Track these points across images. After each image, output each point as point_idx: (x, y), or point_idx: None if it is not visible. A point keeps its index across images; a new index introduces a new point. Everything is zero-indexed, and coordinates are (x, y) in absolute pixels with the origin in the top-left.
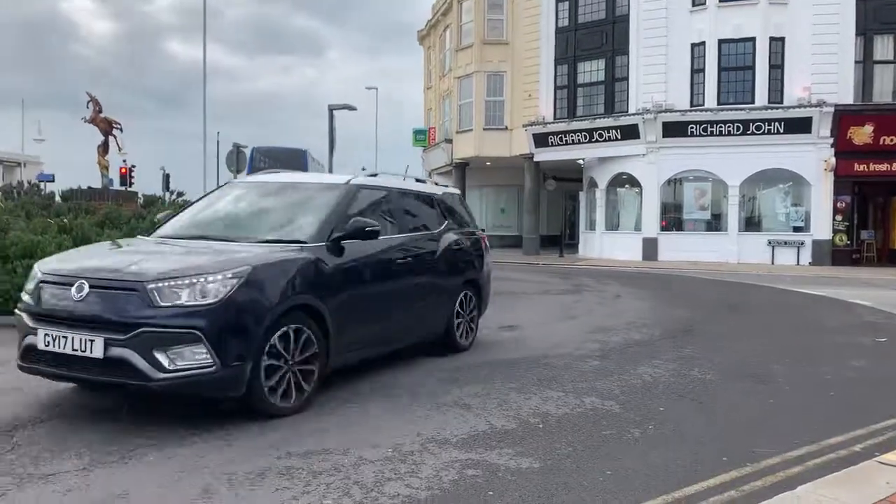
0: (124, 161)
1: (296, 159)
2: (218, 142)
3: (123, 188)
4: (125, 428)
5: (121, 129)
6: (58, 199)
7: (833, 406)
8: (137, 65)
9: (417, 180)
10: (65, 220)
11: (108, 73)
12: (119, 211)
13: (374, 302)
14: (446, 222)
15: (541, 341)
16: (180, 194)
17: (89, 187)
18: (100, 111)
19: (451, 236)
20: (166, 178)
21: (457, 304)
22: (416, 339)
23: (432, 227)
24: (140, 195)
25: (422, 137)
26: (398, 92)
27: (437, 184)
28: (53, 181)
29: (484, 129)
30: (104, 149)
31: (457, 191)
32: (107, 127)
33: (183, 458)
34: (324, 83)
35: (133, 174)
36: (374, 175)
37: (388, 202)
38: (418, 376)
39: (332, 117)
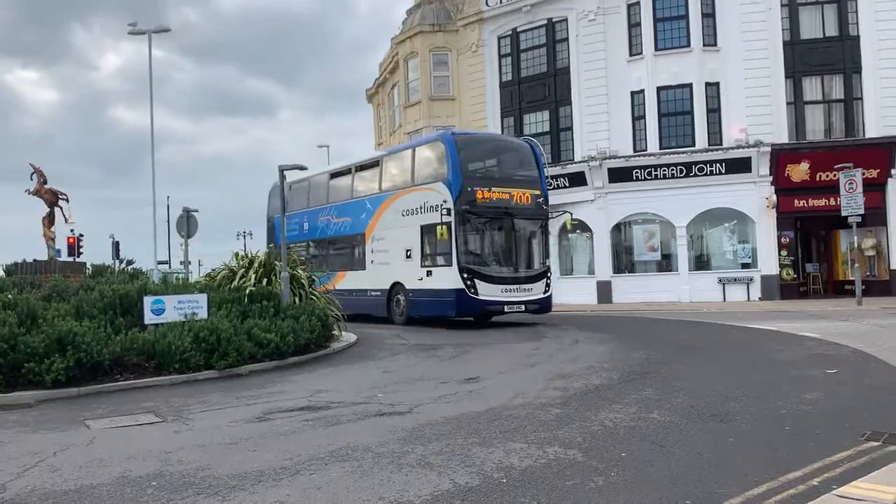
0: (72, 231)
1: (523, 155)
2: (168, 206)
3: (71, 259)
4: None
5: (67, 200)
6: (1, 273)
7: (790, 441)
8: (83, 133)
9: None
10: (9, 296)
11: (54, 143)
12: (66, 283)
13: None
14: None
15: (502, 392)
16: (130, 262)
17: (35, 260)
18: (44, 182)
19: None
20: (116, 245)
21: None
22: None
23: None
24: (89, 265)
25: None
26: (350, 149)
27: None
28: None
29: None
30: (50, 220)
31: None
32: (52, 198)
33: None
34: (275, 143)
35: (81, 244)
36: None
37: None
38: (379, 436)
39: (282, 178)
